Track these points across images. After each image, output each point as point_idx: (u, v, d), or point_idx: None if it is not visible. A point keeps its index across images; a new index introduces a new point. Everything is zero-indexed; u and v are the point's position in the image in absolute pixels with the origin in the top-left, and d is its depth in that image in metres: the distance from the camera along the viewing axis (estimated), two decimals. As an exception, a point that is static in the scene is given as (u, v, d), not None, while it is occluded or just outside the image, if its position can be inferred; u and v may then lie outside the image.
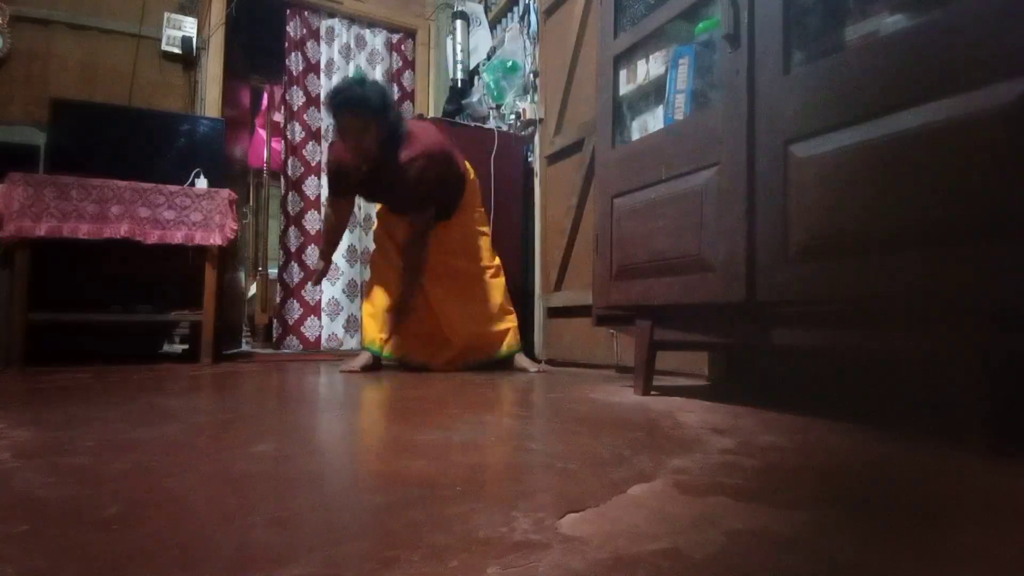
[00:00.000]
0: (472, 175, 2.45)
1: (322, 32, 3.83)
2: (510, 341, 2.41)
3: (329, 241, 2.40)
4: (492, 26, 3.48)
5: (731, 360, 1.90)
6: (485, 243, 2.47)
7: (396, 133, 2.07)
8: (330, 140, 2.20)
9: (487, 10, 3.53)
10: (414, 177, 2.09)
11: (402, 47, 4.13)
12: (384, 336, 2.31)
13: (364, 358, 2.31)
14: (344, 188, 2.24)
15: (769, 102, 1.18)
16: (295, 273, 3.68)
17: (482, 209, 2.53)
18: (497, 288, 2.44)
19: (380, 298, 2.34)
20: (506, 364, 2.41)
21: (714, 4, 1.40)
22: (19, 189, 2.25)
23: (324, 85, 3.82)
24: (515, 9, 3.32)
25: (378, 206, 2.45)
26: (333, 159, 2.17)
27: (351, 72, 3.88)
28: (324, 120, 3.80)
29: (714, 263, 1.28)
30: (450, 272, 2.36)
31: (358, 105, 1.97)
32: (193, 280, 2.58)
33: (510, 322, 2.44)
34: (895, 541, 0.54)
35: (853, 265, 1.00)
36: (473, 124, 3.12)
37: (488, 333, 2.37)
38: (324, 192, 3.76)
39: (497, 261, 2.50)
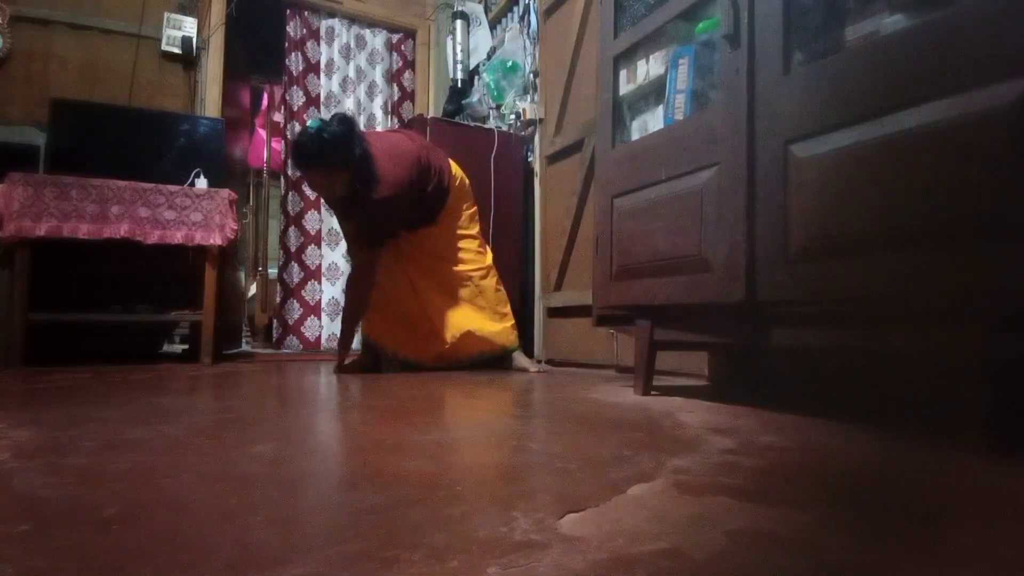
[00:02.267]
0: (459, 178, 2.41)
1: (322, 32, 3.83)
2: (506, 339, 2.40)
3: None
4: (492, 26, 3.48)
5: (731, 360, 1.90)
6: (472, 244, 2.43)
7: (365, 168, 1.99)
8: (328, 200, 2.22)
9: (487, 10, 3.53)
10: (384, 212, 2.07)
11: (402, 47, 4.13)
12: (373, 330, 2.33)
13: (364, 358, 2.31)
14: (369, 234, 2.18)
15: (769, 102, 1.18)
16: (295, 273, 3.68)
17: (471, 210, 2.47)
18: (488, 288, 2.42)
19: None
20: (505, 364, 2.41)
21: (714, 4, 1.40)
22: (19, 189, 2.25)
23: (324, 85, 3.82)
24: (515, 9, 3.32)
25: None
26: (339, 212, 2.22)
27: (351, 73, 3.88)
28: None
29: (714, 263, 1.28)
30: (439, 275, 2.36)
31: (319, 160, 1.93)
32: (193, 280, 2.58)
33: (506, 320, 2.42)
34: (895, 541, 0.54)
35: (853, 265, 1.00)
36: (473, 124, 3.12)
37: (482, 332, 2.36)
38: (324, 192, 3.76)
39: (488, 261, 2.46)
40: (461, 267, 2.39)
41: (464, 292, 2.38)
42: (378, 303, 2.29)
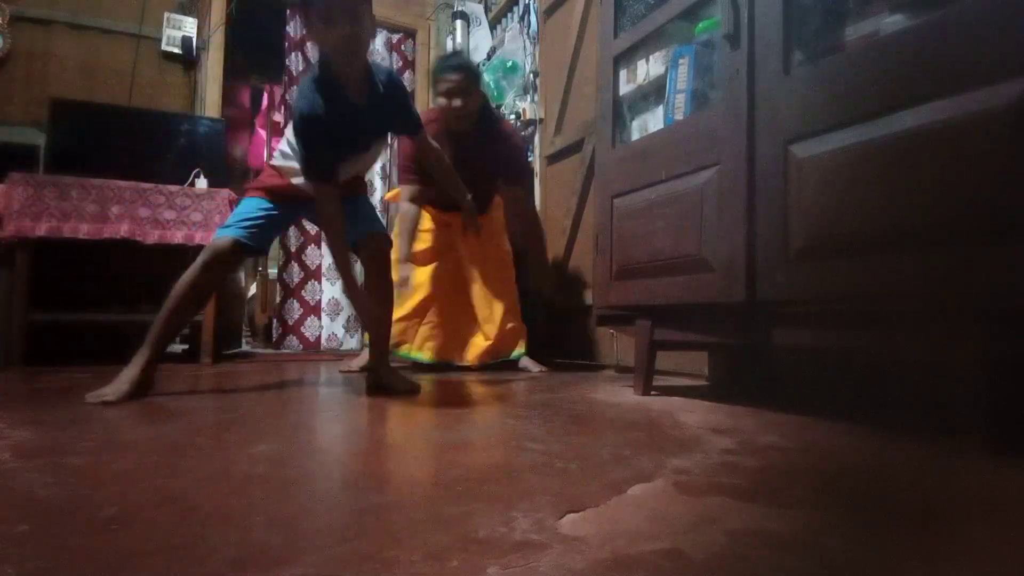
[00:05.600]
0: None
1: (322, 32, 3.83)
2: (521, 342, 2.40)
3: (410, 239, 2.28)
4: (492, 26, 3.48)
5: (731, 360, 1.90)
6: (505, 243, 2.48)
7: (487, 108, 2.29)
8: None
9: (487, 10, 3.53)
10: (502, 151, 2.30)
11: (402, 47, 4.13)
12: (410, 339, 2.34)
13: (364, 358, 2.30)
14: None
15: (769, 102, 1.18)
16: (295, 273, 3.68)
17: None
18: (514, 289, 2.46)
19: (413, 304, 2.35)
20: (509, 364, 2.41)
21: (714, 4, 1.40)
22: (19, 189, 2.25)
23: (324, 85, 3.81)
24: (515, 9, 3.32)
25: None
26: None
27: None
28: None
29: (714, 263, 1.28)
30: (489, 260, 2.38)
31: (466, 67, 2.18)
32: (193, 280, 2.57)
33: (520, 322, 2.44)
34: (895, 541, 0.54)
35: (853, 265, 1.00)
36: (473, 124, 3.12)
37: (511, 330, 2.37)
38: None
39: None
40: (504, 262, 2.42)
41: (505, 285, 2.40)
42: (419, 310, 2.32)
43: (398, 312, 2.29)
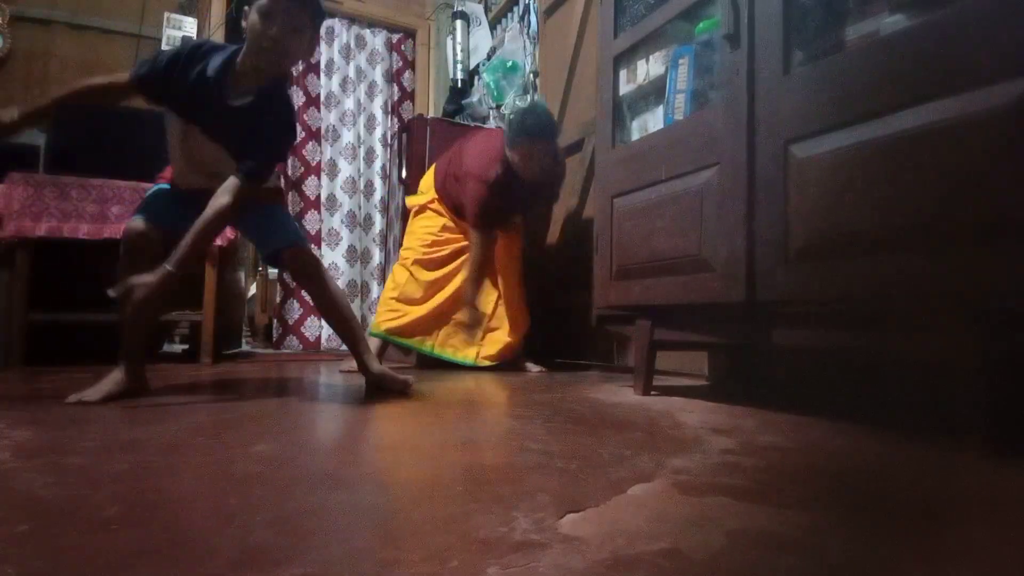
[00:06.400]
0: None
1: (322, 32, 3.83)
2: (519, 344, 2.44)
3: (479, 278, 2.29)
4: (492, 26, 3.48)
5: (731, 360, 1.90)
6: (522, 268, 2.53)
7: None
8: (487, 178, 2.16)
9: (487, 10, 3.53)
10: (550, 183, 2.33)
11: (402, 47, 4.13)
12: (427, 335, 2.37)
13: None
14: (499, 216, 2.27)
15: (769, 102, 1.18)
16: (295, 273, 3.68)
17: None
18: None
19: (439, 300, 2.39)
20: (509, 365, 2.41)
21: (714, 4, 1.40)
22: (19, 189, 2.25)
23: (324, 85, 3.82)
24: (515, 9, 3.32)
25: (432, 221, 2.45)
26: (495, 192, 2.17)
27: (351, 72, 3.88)
28: (324, 120, 3.80)
29: (714, 263, 1.28)
30: (511, 271, 2.43)
31: (555, 142, 2.18)
32: (193, 280, 2.58)
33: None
34: (895, 541, 0.54)
35: (853, 265, 1.00)
36: (473, 124, 3.12)
37: (524, 330, 2.42)
38: (324, 192, 3.76)
39: None
40: (520, 266, 2.46)
41: (522, 290, 2.45)
42: (443, 312, 2.36)
43: (422, 310, 2.35)
